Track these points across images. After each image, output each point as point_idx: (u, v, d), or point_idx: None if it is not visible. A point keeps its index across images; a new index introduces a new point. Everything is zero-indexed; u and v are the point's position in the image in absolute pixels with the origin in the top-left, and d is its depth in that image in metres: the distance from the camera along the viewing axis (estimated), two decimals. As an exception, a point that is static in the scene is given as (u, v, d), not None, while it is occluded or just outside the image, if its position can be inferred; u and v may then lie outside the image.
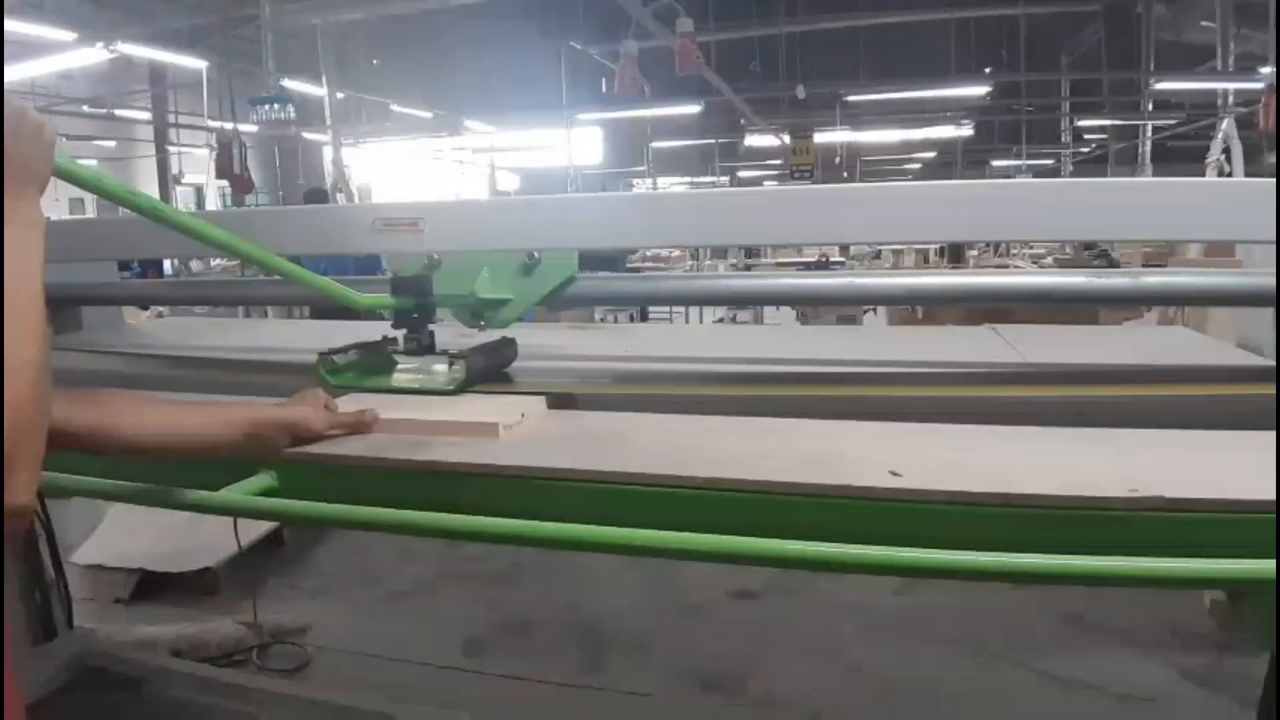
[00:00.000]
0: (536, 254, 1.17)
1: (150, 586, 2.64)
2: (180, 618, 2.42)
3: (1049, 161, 16.82)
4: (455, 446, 0.92)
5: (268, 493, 0.88)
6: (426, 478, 0.89)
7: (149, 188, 10.07)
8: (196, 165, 10.56)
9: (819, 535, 0.70)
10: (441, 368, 1.18)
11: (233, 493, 0.86)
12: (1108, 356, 1.35)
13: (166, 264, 6.75)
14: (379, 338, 1.24)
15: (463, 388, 1.12)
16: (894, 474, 0.79)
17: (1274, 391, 0.94)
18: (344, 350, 1.17)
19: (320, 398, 0.96)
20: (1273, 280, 0.99)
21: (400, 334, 1.18)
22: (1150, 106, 11.74)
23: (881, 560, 0.68)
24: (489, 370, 1.21)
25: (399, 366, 1.21)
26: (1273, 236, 0.92)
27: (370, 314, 1.20)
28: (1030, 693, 2.04)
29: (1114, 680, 2.04)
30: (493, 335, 1.26)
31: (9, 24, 7.15)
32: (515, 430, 0.99)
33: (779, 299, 1.85)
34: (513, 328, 1.26)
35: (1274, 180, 0.92)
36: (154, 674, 2.10)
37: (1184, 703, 1.97)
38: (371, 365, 1.21)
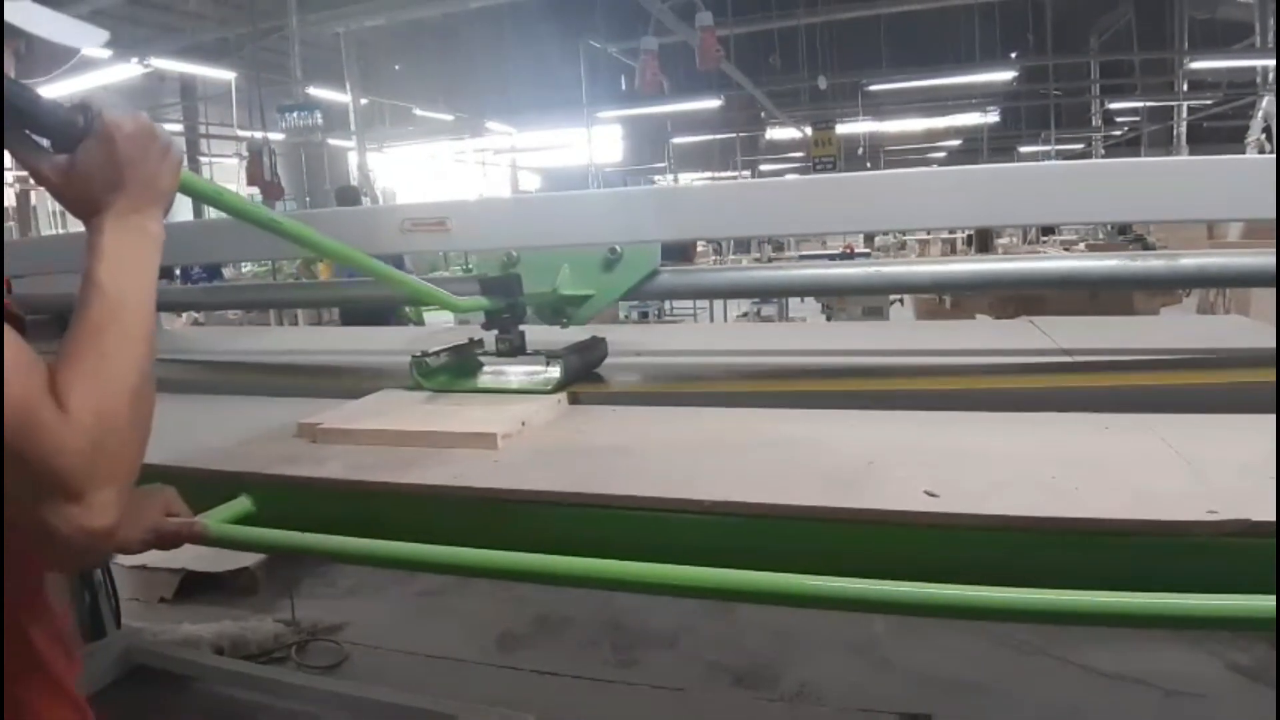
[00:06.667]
0: (618, 248, 1.15)
1: (193, 586, 2.70)
2: (222, 616, 2.48)
3: (1079, 146, 16.45)
4: (440, 466, 0.87)
5: (246, 519, 0.85)
6: (410, 500, 0.84)
7: (183, 197, 10.29)
8: (227, 174, 10.78)
9: (845, 560, 0.64)
10: (536, 368, 1.17)
11: (211, 520, 0.80)
12: (1166, 344, 1.31)
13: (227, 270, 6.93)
14: (466, 340, 1.24)
15: (559, 388, 1.11)
16: (930, 494, 0.69)
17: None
18: (436, 353, 1.17)
19: (164, 503, 0.82)
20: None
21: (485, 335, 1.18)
22: (1185, 86, 11.42)
23: (921, 599, 0.59)
24: (583, 370, 1.20)
25: (494, 368, 1.21)
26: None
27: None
28: (1074, 687, 1.99)
29: (1160, 674, 1.99)
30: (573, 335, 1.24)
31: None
32: (514, 440, 0.93)
33: (853, 288, 1.79)
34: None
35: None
36: (199, 671, 2.16)
37: (1233, 697, 1.92)
38: (462, 367, 1.21)
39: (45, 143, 0.60)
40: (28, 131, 0.59)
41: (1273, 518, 0.62)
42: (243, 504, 0.86)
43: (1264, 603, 0.55)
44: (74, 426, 0.48)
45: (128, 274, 0.57)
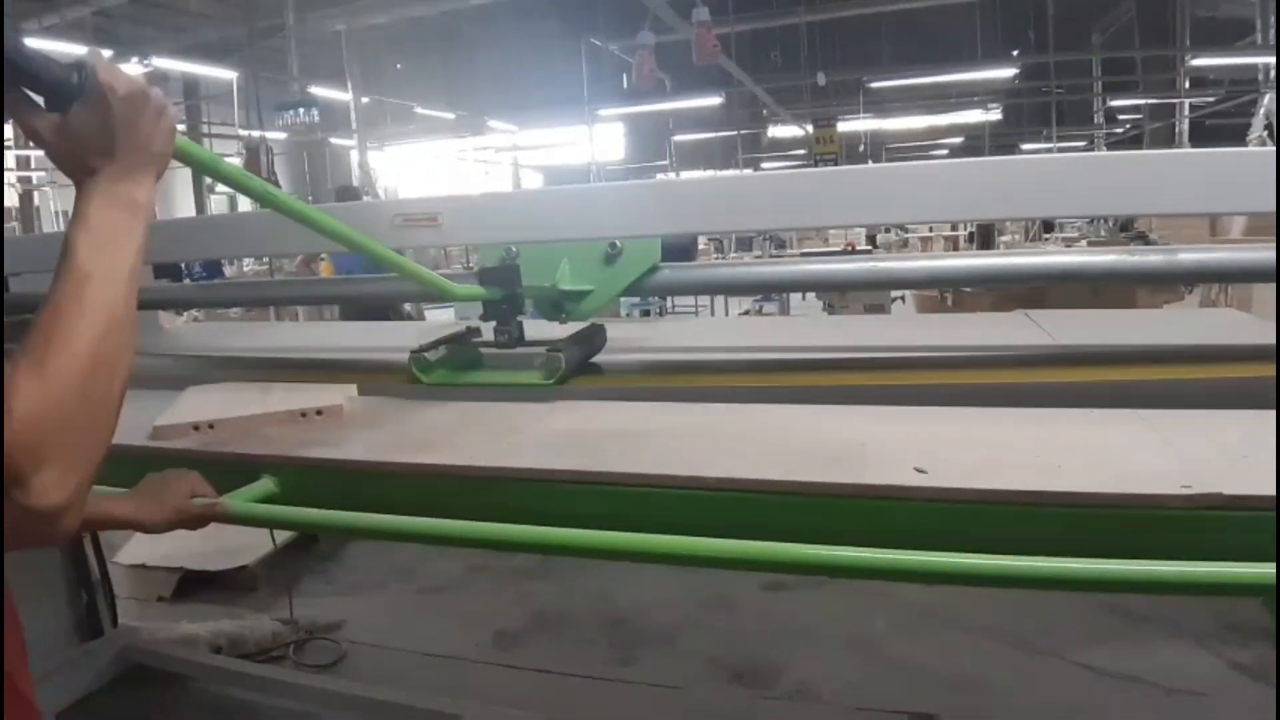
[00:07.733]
0: (619, 243, 1.15)
1: (191, 585, 2.70)
2: (220, 615, 2.47)
3: (1081, 144, 16.43)
4: (453, 448, 0.90)
5: (269, 499, 0.87)
6: (427, 481, 0.87)
7: (185, 197, 10.33)
8: (228, 173, 10.78)
9: (841, 535, 0.66)
10: (537, 359, 1.17)
11: (234, 500, 0.84)
12: (1162, 339, 1.30)
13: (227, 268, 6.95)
14: (464, 329, 1.23)
15: (561, 380, 1.10)
16: (919, 470, 0.73)
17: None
18: (434, 346, 1.17)
19: (189, 486, 0.88)
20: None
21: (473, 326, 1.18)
22: (1187, 84, 11.40)
23: (912, 566, 0.62)
24: (583, 360, 1.20)
25: (493, 360, 1.21)
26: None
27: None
28: (1076, 686, 1.99)
29: (1161, 673, 1.99)
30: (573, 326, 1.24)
31: (56, 46, 7.45)
32: (521, 429, 0.96)
33: (853, 284, 1.79)
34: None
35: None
36: (196, 670, 2.15)
37: (1233, 697, 1.91)
38: (461, 360, 1.20)
39: (40, 100, 0.59)
40: (23, 88, 0.58)
41: (1246, 491, 0.65)
42: (265, 485, 0.88)
43: (1263, 570, 0.57)
44: (12, 412, 0.47)
45: (103, 247, 0.56)
